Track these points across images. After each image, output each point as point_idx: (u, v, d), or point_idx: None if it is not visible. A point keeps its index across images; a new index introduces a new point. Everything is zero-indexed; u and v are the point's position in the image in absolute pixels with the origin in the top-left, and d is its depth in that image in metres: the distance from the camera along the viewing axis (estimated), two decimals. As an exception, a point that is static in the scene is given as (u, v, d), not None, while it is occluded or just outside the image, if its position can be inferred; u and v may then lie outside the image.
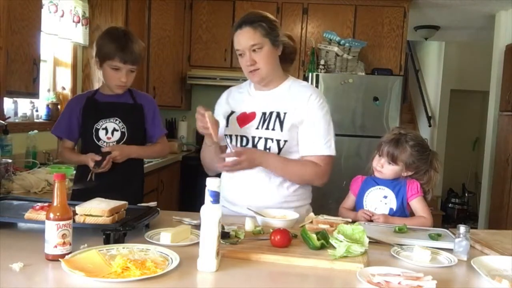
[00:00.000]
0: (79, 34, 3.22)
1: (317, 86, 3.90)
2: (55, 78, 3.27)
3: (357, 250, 1.21)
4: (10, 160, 2.12)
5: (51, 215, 1.11)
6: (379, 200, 1.82)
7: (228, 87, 1.98)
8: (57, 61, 3.26)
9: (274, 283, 1.10)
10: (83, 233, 1.27)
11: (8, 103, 2.67)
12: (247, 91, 1.84)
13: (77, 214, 1.28)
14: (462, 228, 1.30)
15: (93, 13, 3.36)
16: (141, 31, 3.57)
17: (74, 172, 2.19)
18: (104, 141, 1.97)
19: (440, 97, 6.65)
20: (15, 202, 1.55)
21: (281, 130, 1.71)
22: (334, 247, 1.23)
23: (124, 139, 1.97)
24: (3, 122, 2.23)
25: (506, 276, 1.13)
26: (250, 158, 1.65)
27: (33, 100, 2.86)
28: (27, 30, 2.16)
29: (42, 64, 2.50)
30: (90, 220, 1.28)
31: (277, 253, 1.22)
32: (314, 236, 1.28)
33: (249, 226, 1.44)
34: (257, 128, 1.73)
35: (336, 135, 4.09)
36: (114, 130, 1.98)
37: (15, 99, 2.72)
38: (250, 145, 1.74)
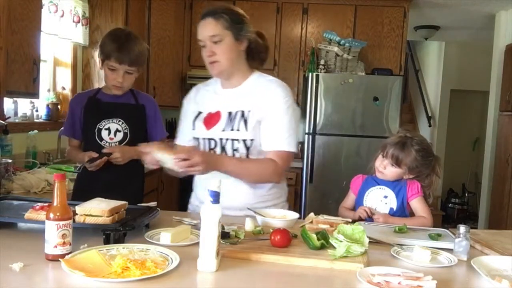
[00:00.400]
0: (79, 34, 3.22)
1: (317, 86, 3.90)
2: (55, 78, 3.27)
3: (357, 250, 1.21)
4: (10, 160, 2.12)
5: (51, 215, 1.11)
6: (379, 200, 1.82)
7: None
8: (57, 61, 3.26)
9: (274, 283, 1.10)
10: (83, 233, 1.27)
11: (8, 103, 2.67)
12: (213, 89, 1.79)
13: (77, 214, 1.28)
14: (462, 228, 1.30)
15: (93, 13, 3.36)
16: (141, 31, 3.57)
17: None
18: (107, 141, 1.97)
19: (440, 97, 6.65)
20: (15, 202, 1.55)
21: (246, 129, 1.66)
22: (334, 247, 1.23)
23: (127, 140, 1.97)
24: (3, 122, 2.24)
25: (506, 276, 1.13)
26: (206, 161, 1.52)
27: (33, 100, 2.87)
28: (27, 30, 2.16)
29: (42, 64, 2.50)
30: (90, 220, 1.28)
31: (277, 253, 1.22)
32: (314, 236, 1.28)
33: (249, 226, 1.44)
34: (224, 130, 1.68)
35: (336, 135, 4.08)
36: (117, 130, 1.98)
37: (15, 99, 2.72)
38: (218, 147, 1.69)
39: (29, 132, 2.73)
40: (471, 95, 6.95)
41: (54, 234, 1.11)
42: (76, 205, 1.31)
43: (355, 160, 3.89)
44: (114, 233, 1.25)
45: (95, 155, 1.88)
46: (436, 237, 1.44)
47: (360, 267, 1.14)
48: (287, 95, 1.69)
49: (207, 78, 1.85)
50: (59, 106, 3.17)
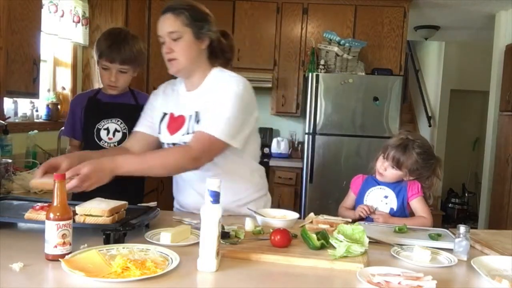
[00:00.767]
0: (79, 34, 3.22)
1: (317, 86, 3.90)
2: (55, 78, 3.27)
3: (357, 250, 1.21)
4: (10, 160, 2.11)
5: (51, 215, 1.11)
6: (379, 200, 1.82)
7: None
8: (57, 61, 3.26)
9: (274, 283, 1.10)
10: (83, 233, 1.27)
11: (8, 103, 2.67)
12: (178, 90, 1.72)
13: (77, 214, 1.28)
14: (462, 228, 1.30)
15: (93, 13, 3.36)
16: (141, 31, 3.57)
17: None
18: (106, 141, 1.97)
19: (440, 97, 6.65)
20: (15, 202, 1.55)
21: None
22: (334, 247, 1.23)
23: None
24: (3, 122, 2.24)
25: (506, 276, 1.13)
26: (97, 169, 1.37)
27: (33, 100, 2.86)
28: (27, 30, 2.16)
29: (42, 64, 2.50)
30: (90, 220, 1.28)
31: (277, 253, 1.22)
32: (314, 236, 1.28)
33: (249, 226, 1.44)
34: (183, 135, 1.62)
35: (336, 135, 4.07)
36: (116, 130, 1.98)
37: (15, 99, 2.72)
38: None
39: (29, 132, 2.73)
40: (471, 95, 6.95)
41: (54, 234, 1.11)
42: (76, 205, 1.31)
43: (355, 160, 3.89)
44: (114, 233, 1.25)
45: None
46: (436, 237, 1.44)
47: (360, 267, 1.14)
48: (236, 86, 1.57)
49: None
50: (59, 106, 3.17)
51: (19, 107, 2.82)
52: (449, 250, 1.33)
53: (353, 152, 3.93)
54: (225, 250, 1.21)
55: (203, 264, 1.10)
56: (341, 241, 1.22)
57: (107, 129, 1.98)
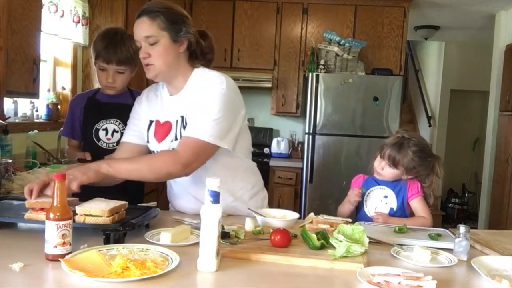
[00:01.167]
0: (79, 34, 3.22)
1: (317, 86, 3.90)
2: (55, 78, 3.26)
3: (357, 250, 1.21)
4: (10, 160, 2.11)
5: (51, 215, 1.11)
6: (379, 200, 1.82)
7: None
8: (57, 61, 3.26)
9: (274, 283, 1.10)
10: (83, 233, 1.27)
11: (8, 103, 2.67)
12: (161, 95, 1.68)
13: (77, 214, 1.28)
14: (462, 228, 1.30)
15: (93, 13, 3.35)
16: (141, 31, 3.56)
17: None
18: (104, 142, 1.97)
19: (440, 97, 6.65)
20: (15, 202, 1.55)
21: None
22: (334, 247, 1.23)
23: None
24: (3, 122, 2.23)
25: (506, 276, 1.13)
26: (80, 168, 1.42)
27: (33, 100, 2.86)
28: (27, 30, 2.16)
29: (42, 64, 2.50)
30: (90, 220, 1.28)
31: (277, 253, 1.22)
32: (314, 236, 1.28)
33: (249, 226, 1.44)
34: (172, 141, 1.60)
35: (336, 135, 4.07)
36: (114, 131, 1.98)
37: (15, 99, 2.72)
38: None
39: (29, 132, 2.73)
40: (471, 95, 6.95)
41: (54, 234, 1.11)
42: (76, 205, 1.31)
43: (355, 160, 3.89)
44: (114, 233, 1.25)
45: (88, 157, 1.89)
46: (436, 237, 1.44)
47: (360, 267, 1.14)
48: (220, 86, 1.54)
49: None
50: (59, 106, 3.17)
51: (19, 107, 2.82)
52: (449, 250, 1.33)
53: (353, 152, 3.93)
54: (225, 250, 1.21)
55: (203, 264, 1.10)
56: (341, 241, 1.22)
57: (106, 130, 1.98)
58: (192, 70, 1.62)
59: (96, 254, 1.11)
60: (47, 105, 3.09)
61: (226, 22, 4.39)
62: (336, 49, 4.09)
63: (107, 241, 1.24)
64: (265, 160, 4.21)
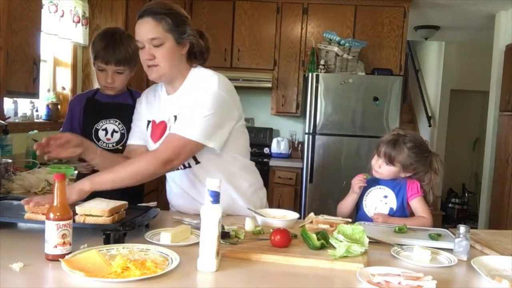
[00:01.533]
0: (79, 34, 3.22)
1: (317, 86, 3.90)
2: (55, 78, 3.27)
3: (357, 250, 1.21)
4: (10, 160, 2.11)
5: (51, 215, 1.11)
6: (379, 200, 1.82)
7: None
8: (57, 61, 3.26)
9: (274, 283, 1.10)
10: (83, 233, 1.27)
11: (8, 103, 2.67)
12: (159, 94, 1.69)
13: (77, 214, 1.28)
14: (462, 228, 1.30)
15: (93, 13, 3.35)
16: (141, 31, 3.56)
17: (75, 172, 2.19)
18: (104, 142, 1.97)
19: (440, 97, 6.65)
20: (15, 202, 1.55)
21: None
22: (334, 247, 1.23)
23: (124, 141, 1.97)
24: (3, 122, 2.24)
25: (506, 276, 1.13)
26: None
27: (33, 100, 2.87)
28: (27, 30, 2.16)
29: (42, 64, 2.50)
30: (90, 220, 1.28)
31: (277, 253, 1.22)
32: (314, 236, 1.28)
33: (249, 226, 1.44)
34: None
35: (336, 135, 4.06)
36: (114, 131, 1.98)
37: (15, 99, 2.72)
38: None
39: (29, 132, 2.73)
40: (471, 95, 6.95)
41: (54, 234, 1.11)
42: (76, 205, 1.31)
43: (355, 160, 3.89)
44: (114, 233, 1.25)
45: None
46: (436, 237, 1.44)
47: (360, 267, 1.14)
48: (213, 86, 1.54)
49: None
50: (59, 106, 3.17)
51: (19, 107, 2.82)
52: (449, 250, 1.33)
53: (353, 152, 3.93)
54: (225, 250, 1.21)
55: (203, 264, 1.10)
56: (341, 241, 1.22)
57: (105, 130, 1.98)
58: (190, 69, 1.63)
59: (96, 254, 1.11)
60: (47, 105, 3.09)
61: (226, 22, 4.40)
62: (336, 49, 4.09)
63: (107, 241, 1.24)
64: (265, 160, 4.21)
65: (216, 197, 1.11)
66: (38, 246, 1.15)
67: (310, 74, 3.95)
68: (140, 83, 3.49)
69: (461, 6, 4.65)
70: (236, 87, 1.67)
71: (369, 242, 1.27)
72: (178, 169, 1.64)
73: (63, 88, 3.31)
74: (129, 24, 3.35)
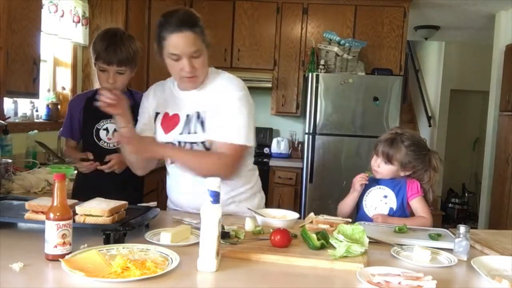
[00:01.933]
0: (79, 34, 3.22)
1: (317, 86, 3.90)
2: (55, 78, 3.27)
3: (357, 250, 1.21)
4: (10, 160, 2.12)
5: (51, 215, 1.11)
6: (379, 200, 1.82)
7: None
8: (57, 61, 3.26)
9: (274, 283, 1.10)
10: (83, 233, 1.27)
11: (8, 103, 2.67)
12: (171, 90, 1.72)
13: (77, 214, 1.28)
14: (462, 228, 1.30)
15: (93, 13, 3.36)
16: (141, 31, 3.57)
17: (75, 172, 2.19)
18: (105, 141, 1.97)
19: (440, 97, 6.65)
20: (15, 202, 1.55)
21: (203, 130, 1.61)
22: (334, 247, 1.23)
23: None
24: (3, 122, 2.24)
25: (506, 276, 1.13)
26: (136, 138, 1.60)
27: (33, 100, 2.87)
28: (27, 30, 2.16)
29: (42, 64, 2.50)
30: (90, 220, 1.28)
31: (277, 253, 1.22)
32: (314, 236, 1.28)
33: (249, 226, 1.44)
34: (181, 133, 1.64)
35: (336, 135, 4.06)
36: (115, 130, 1.98)
37: (15, 99, 2.72)
38: None
39: (29, 132, 2.73)
40: (471, 95, 6.95)
41: (54, 234, 1.11)
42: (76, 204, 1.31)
43: (355, 160, 3.89)
44: (114, 233, 1.25)
45: (91, 156, 1.89)
46: (436, 237, 1.44)
47: (360, 267, 1.14)
48: (240, 89, 1.64)
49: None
50: (59, 106, 3.17)
51: (19, 107, 2.82)
52: (449, 250, 1.33)
53: (353, 152, 3.93)
54: (225, 250, 1.21)
55: (203, 264, 1.10)
56: (341, 241, 1.22)
57: (107, 129, 1.98)
58: (207, 68, 1.68)
59: (96, 254, 1.11)
60: (47, 105, 3.09)
61: (226, 22, 4.39)
62: (336, 49, 4.09)
63: (107, 241, 1.24)
64: (265, 160, 4.21)
65: (216, 197, 1.11)
66: (38, 246, 1.15)
67: (310, 74, 3.94)
68: (140, 83, 3.50)
69: (461, 6, 4.65)
70: (236, 87, 1.68)
71: (369, 242, 1.27)
72: None
73: (63, 88, 3.31)
74: (129, 24, 3.35)
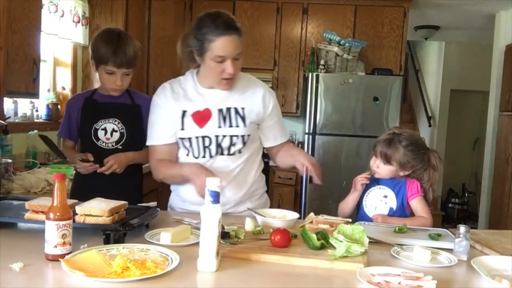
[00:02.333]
0: (79, 34, 3.22)
1: (317, 86, 3.90)
2: (55, 78, 3.27)
3: (357, 250, 1.21)
4: (10, 160, 2.11)
5: (51, 215, 1.11)
6: (379, 200, 1.82)
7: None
8: (57, 61, 3.26)
9: (274, 283, 1.10)
10: (83, 233, 1.27)
11: (8, 103, 2.67)
12: (194, 89, 1.73)
13: (77, 214, 1.28)
14: (462, 228, 1.30)
15: (93, 13, 3.35)
16: (141, 31, 3.57)
17: (74, 172, 2.19)
18: (103, 141, 1.97)
19: (440, 97, 6.65)
20: (15, 202, 1.55)
21: (244, 125, 1.70)
22: (334, 247, 1.23)
23: (123, 140, 1.97)
24: (3, 122, 2.23)
25: (506, 276, 1.13)
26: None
27: (33, 100, 2.86)
28: (27, 30, 2.16)
29: (42, 64, 2.50)
30: (90, 220, 1.28)
31: (277, 253, 1.22)
32: (314, 236, 1.28)
33: (249, 226, 1.44)
34: (220, 127, 1.68)
35: (336, 135, 4.06)
36: (113, 130, 1.97)
37: (15, 99, 2.72)
38: (213, 144, 1.68)
39: (29, 132, 2.73)
40: (471, 95, 6.95)
41: (54, 234, 1.11)
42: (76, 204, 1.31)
43: (355, 160, 3.89)
44: (114, 233, 1.25)
45: (91, 158, 1.88)
46: (436, 237, 1.44)
47: (360, 267, 1.14)
48: (274, 95, 1.85)
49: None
50: (59, 106, 3.17)
51: (19, 107, 2.82)
52: (449, 250, 1.33)
53: (353, 152, 3.93)
54: (225, 250, 1.21)
55: (203, 264, 1.10)
56: (341, 241, 1.22)
57: (105, 129, 1.97)
58: None
59: (96, 254, 1.11)
60: (47, 105, 3.09)
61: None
62: (336, 49, 4.09)
63: (107, 241, 1.24)
64: (265, 160, 4.18)
65: (216, 197, 1.11)
66: (38, 246, 1.15)
67: (310, 74, 3.94)
68: (140, 83, 3.50)
69: (461, 6, 4.65)
70: (237, 87, 1.70)
71: (369, 242, 1.27)
72: (222, 154, 1.71)
73: (63, 88, 3.31)
74: (129, 24, 3.35)
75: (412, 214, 1.82)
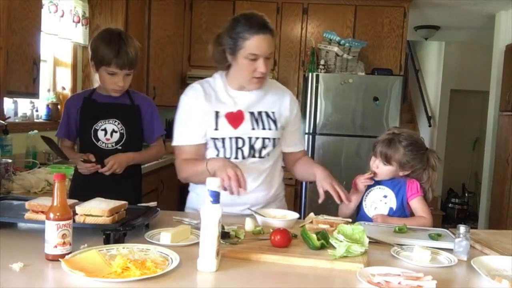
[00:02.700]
0: (79, 34, 3.22)
1: (317, 86, 3.90)
2: (55, 78, 3.27)
3: (357, 250, 1.21)
4: (10, 160, 2.11)
5: (51, 215, 1.11)
6: (379, 200, 1.82)
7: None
8: (57, 61, 3.26)
9: (274, 283, 1.10)
10: (83, 233, 1.27)
11: (8, 103, 2.67)
12: (224, 90, 1.74)
13: (77, 214, 1.28)
14: (462, 228, 1.30)
15: (93, 13, 3.36)
16: (141, 31, 3.57)
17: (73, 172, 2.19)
18: (103, 142, 1.97)
19: (440, 97, 6.65)
20: (15, 202, 1.55)
21: (276, 128, 1.74)
22: (334, 247, 1.23)
23: (123, 140, 1.97)
24: (3, 122, 2.23)
25: (506, 276, 1.13)
26: None
27: (33, 100, 2.86)
28: (27, 30, 2.16)
29: (42, 64, 2.50)
30: (90, 220, 1.28)
31: (277, 253, 1.22)
32: (314, 236, 1.28)
33: (249, 226, 1.45)
34: (253, 129, 1.70)
35: (336, 135, 4.07)
36: (113, 131, 1.97)
37: (15, 99, 2.72)
38: (246, 146, 1.70)
39: (29, 132, 2.73)
40: (471, 95, 6.95)
41: (54, 234, 1.11)
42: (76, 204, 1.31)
43: (355, 160, 3.89)
44: (114, 233, 1.25)
45: (92, 158, 1.88)
46: (436, 237, 1.44)
47: (360, 267, 1.14)
48: (297, 101, 1.88)
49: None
50: (59, 106, 3.17)
51: (19, 107, 2.82)
52: (449, 250, 1.33)
53: (353, 152, 3.93)
54: (225, 250, 1.21)
55: (203, 264, 1.10)
56: (341, 241, 1.22)
57: (105, 130, 1.97)
58: None
59: (96, 254, 1.11)
60: (47, 105, 3.09)
61: (226, 22, 4.39)
62: (336, 49, 4.09)
63: (107, 241, 1.24)
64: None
65: (216, 197, 1.11)
66: (38, 246, 1.15)
67: (310, 74, 3.94)
68: (140, 83, 3.50)
69: (461, 6, 4.65)
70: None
71: (369, 242, 1.27)
72: (253, 157, 1.73)
73: (63, 88, 3.31)
74: (129, 24, 3.35)
75: (412, 214, 1.82)
